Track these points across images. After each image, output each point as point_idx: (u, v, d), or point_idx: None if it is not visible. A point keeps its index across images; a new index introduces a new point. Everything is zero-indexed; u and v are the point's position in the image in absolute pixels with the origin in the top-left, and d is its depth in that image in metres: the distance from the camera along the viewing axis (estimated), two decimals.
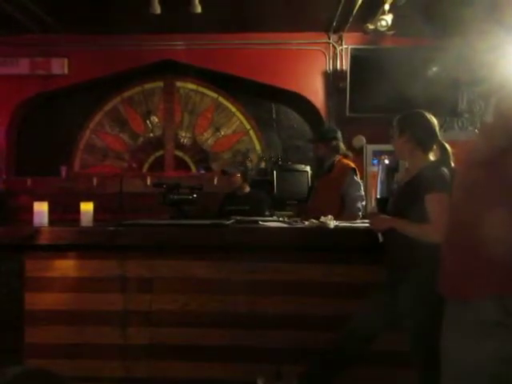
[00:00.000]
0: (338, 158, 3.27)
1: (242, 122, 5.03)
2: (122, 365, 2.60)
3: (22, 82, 4.72)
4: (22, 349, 2.62)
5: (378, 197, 2.16)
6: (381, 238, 2.05)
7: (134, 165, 5.01)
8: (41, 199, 2.83)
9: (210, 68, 4.84)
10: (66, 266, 2.66)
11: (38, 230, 2.58)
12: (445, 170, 1.86)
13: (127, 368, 2.59)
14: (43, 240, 2.58)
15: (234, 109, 5.02)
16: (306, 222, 2.53)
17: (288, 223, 2.66)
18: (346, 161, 3.27)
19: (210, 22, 4.50)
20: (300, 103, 5.01)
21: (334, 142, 3.25)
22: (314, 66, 4.94)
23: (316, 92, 4.91)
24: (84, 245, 2.61)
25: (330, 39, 4.89)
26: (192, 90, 5.04)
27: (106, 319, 2.62)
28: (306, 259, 2.49)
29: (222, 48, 4.82)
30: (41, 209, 2.71)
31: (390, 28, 4.06)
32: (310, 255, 2.48)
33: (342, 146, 3.30)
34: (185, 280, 2.63)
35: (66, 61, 4.72)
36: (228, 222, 2.64)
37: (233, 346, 2.54)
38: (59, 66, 4.67)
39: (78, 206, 2.83)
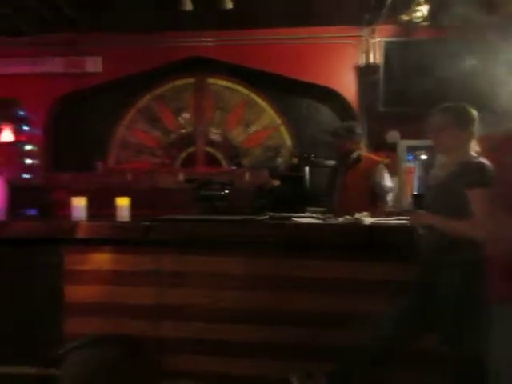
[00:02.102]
0: (362, 152, 3.30)
1: (272, 118, 5.01)
2: (154, 358, 2.65)
3: (58, 80, 4.84)
4: (62, 339, 2.70)
5: (416, 193, 2.11)
6: (420, 235, 1.99)
7: (167, 161, 5.08)
8: (77, 194, 2.90)
9: (241, 64, 4.84)
10: (102, 260, 2.72)
11: (76, 224, 2.65)
12: (489, 165, 1.79)
13: (159, 361, 2.63)
14: (81, 234, 2.64)
15: (264, 104, 5.01)
16: (341, 219, 2.50)
17: (322, 219, 2.63)
18: (371, 155, 3.32)
19: (240, 18, 4.51)
20: (331, 98, 4.95)
21: (359, 137, 3.29)
22: (345, 60, 4.87)
23: (347, 86, 4.84)
24: (120, 239, 2.67)
25: (362, 32, 4.81)
26: (222, 87, 5.06)
27: (140, 313, 2.67)
28: (340, 256, 2.46)
29: (253, 44, 4.81)
30: (79, 203, 2.78)
31: (425, 19, 3.95)
32: (344, 252, 2.45)
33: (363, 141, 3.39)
34: (217, 275, 2.65)
35: (100, 59, 4.81)
36: (261, 218, 2.64)
37: (263, 343, 2.54)
38: (94, 65, 4.78)
39: (113, 201, 2.89)
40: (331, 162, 4.42)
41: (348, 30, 4.84)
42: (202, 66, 4.91)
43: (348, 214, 2.53)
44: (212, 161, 5.04)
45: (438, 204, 1.92)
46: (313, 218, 2.77)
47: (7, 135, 4.59)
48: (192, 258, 2.65)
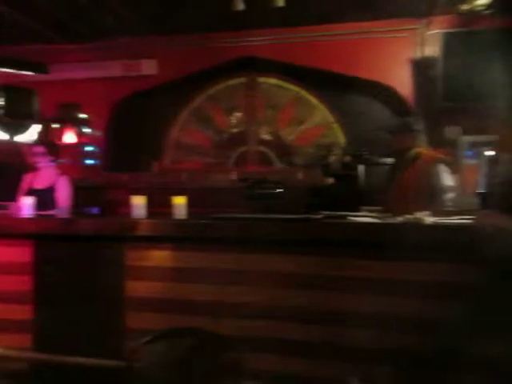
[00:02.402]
0: (421, 149, 3.17)
1: (324, 116, 4.96)
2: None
3: (116, 83, 5.03)
4: (124, 333, 2.81)
5: (481, 191, 2.02)
6: (487, 235, 1.90)
7: (219, 160, 5.15)
8: (134, 193, 3.01)
9: (292, 62, 4.83)
10: (161, 257, 2.81)
11: (137, 222, 2.75)
12: None
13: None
14: (141, 231, 2.73)
15: (316, 102, 4.97)
16: (400, 218, 2.43)
17: (380, 219, 2.57)
18: (430, 151, 3.19)
19: (292, 16, 4.49)
20: (385, 94, 4.83)
21: (417, 133, 3.19)
22: (399, 54, 4.73)
23: (402, 81, 4.70)
24: (179, 237, 2.74)
25: (417, 24, 4.65)
26: (273, 85, 5.06)
27: (199, 309, 2.72)
28: (400, 256, 2.39)
29: (304, 41, 4.78)
30: (139, 202, 2.88)
31: (487, 7, 3.76)
32: (404, 252, 2.38)
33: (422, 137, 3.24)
34: (272, 274, 2.65)
35: (155, 62, 4.96)
36: (316, 217, 2.61)
37: (321, 343, 2.52)
38: (149, 67, 4.93)
39: (168, 200, 2.97)
40: (386, 160, 4.32)
41: (402, 23, 4.70)
42: (253, 65, 4.94)
43: (406, 214, 2.46)
44: (264, 160, 5.06)
45: (507, 203, 1.83)
46: (370, 217, 2.71)
47: (70, 137, 4.83)
48: (247, 256, 2.67)
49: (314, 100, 4.97)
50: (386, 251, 2.36)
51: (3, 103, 1.31)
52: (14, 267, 2.95)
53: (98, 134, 5.06)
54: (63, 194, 3.91)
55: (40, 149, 3.86)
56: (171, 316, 2.75)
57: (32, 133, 1.43)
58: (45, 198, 3.67)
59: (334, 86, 4.93)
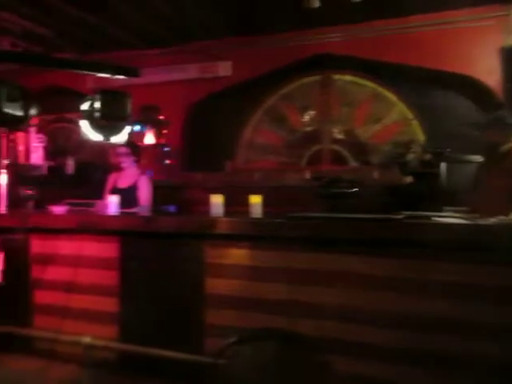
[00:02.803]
0: None
1: (403, 112, 4.76)
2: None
3: (193, 85, 5.19)
4: (203, 329, 2.88)
5: None
6: None
7: (292, 159, 5.13)
8: (210, 192, 3.08)
9: (368, 57, 4.68)
10: (239, 255, 2.85)
11: (216, 220, 2.81)
12: None
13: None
14: (220, 229, 2.79)
15: (394, 98, 4.78)
16: (492, 219, 2.26)
17: (468, 220, 2.41)
18: None
19: (368, 10, 4.36)
20: (470, 87, 4.53)
21: (509, 128, 2.97)
22: (486, 43, 4.42)
23: (490, 72, 4.39)
24: (255, 235, 2.76)
25: (504, 11, 4.32)
26: (349, 82, 4.94)
27: (274, 308, 2.73)
28: (494, 260, 2.22)
29: (381, 35, 4.62)
30: (217, 201, 2.94)
31: None
32: (498, 256, 2.21)
33: None
34: (350, 275, 2.59)
35: (230, 63, 5.05)
36: (397, 217, 2.51)
37: (396, 347, 2.42)
38: (225, 69, 5.02)
39: (242, 199, 3.01)
40: (471, 158, 4.05)
41: (488, 10, 4.39)
42: (328, 62, 4.86)
43: (496, 214, 2.28)
44: (338, 159, 4.96)
45: None
46: (457, 217, 2.55)
47: (150, 138, 5.05)
48: (324, 255, 2.63)
49: (391, 96, 4.79)
50: (477, 254, 2.21)
51: (99, 106, 1.40)
52: (103, 262, 3.14)
53: (175, 135, 5.24)
54: (145, 192, 4.10)
55: (124, 149, 4.08)
56: (248, 314, 2.78)
57: (124, 134, 1.51)
58: (128, 196, 3.86)
59: (413, 80, 4.71)
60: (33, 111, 1.40)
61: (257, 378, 0.89)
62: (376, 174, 4.54)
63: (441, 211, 3.28)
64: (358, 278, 2.55)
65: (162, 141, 5.32)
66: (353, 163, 4.92)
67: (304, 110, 5.13)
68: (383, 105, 4.82)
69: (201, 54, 5.08)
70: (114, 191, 3.95)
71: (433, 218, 2.53)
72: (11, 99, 1.31)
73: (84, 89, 5.01)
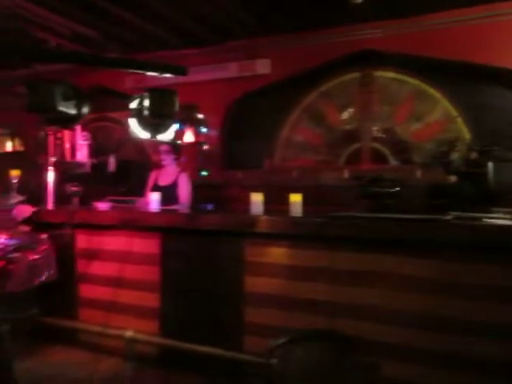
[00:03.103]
0: None
1: (447, 109, 4.60)
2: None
3: (232, 84, 5.21)
4: (242, 327, 2.89)
5: None
6: None
7: (330, 158, 5.07)
8: (248, 191, 3.08)
9: (410, 53, 4.56)
10: (279, 254, 2.84)
11: (256, 219, 2.81)
12: None
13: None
14: (260, 228, 2.79)
15: (438, 95, 4.63)
16: None
17: None
18: None
19: (410, 5, 4.24)
20: None
21: None
22: None
23: None
24: (295, 234, 2.74)
25: None
26: (390, 79, 4.83)
27: (314, 308, 2.70)
28: None
29: (424, 30, 4.48)
30: (257, 199, 2.94)
31: None
32: None
33: None
34: (394, 276, 2.53)
35: (268, 61, 5.03)
36: (446, 217, 2.43)
37: (442, 353, 2.34)
38: (263, 67, 5.01)
39: (280, 197, 2.99)
40: None
41: None
42: (368, 59, 4.77)
43: None
44: (378, 157, 4.86)
45: None
46: (507, 219, 2.45)
47: (189, 137, 5.11)
48: (368, 256, 2.59)
49: (434, 93, 4.64)
50: None
51: (148, 104, 1.43)
52: (145, 258, 3.20)
53: (214, 133, 5.28)
54: (184, 190, 4.15)
55: (165, 147, 4.15)
56: (288, 313, 2.77)
57: (171, 132, 1.53)
58: (168, 193, 3.92)
59: (459, 76, 4.55)
60: (85, 110, 1.43)
61: (308, 379, 0.88)
62: (418, 173, 4.42)
63: (489, 212, 3.16)
64: (401, 279, 2.49)
65: (201, 139, 5.37)
66: (393, 162, 4.81)
67: (343, 107, 5.05)
68: (426, 102, 4.68)
69: (239, 53, 5.09)
70: (155, 188, 4.02)
71: (485, 220, 2.43)
72: (65, 98, 1.35)
73: (123, 89, 5.14)
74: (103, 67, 1.96)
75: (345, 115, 5.08)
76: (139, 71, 1.51)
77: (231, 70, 5.14)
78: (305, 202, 3.02)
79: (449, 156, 4.13)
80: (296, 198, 2.97)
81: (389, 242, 2.51)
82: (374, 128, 4.92)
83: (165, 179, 4.25)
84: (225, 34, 4.85)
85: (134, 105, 1.58)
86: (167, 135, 1.64)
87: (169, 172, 4.26)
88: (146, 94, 1.50)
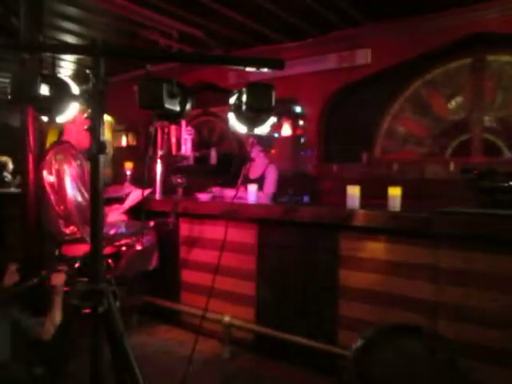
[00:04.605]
0: None
1: None
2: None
3: (330, 76, 5.13)
4: (335, 320, 2.88)
5: None
6: None
7: (436, 150, 4.77)
8: (344, 184, 3.02)
9: None
10: (376, 248, 2.76)
11: (352, 213, 2.76)
12: None
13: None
14: (356, 222, 2.74)
15: None
16: None
17: None
18: None
19: None
20: None
21: None
22: None
23: None
24: (394, 229, 2.65)
25: None
26: (507, 63, 4.39)
27: (413, 306, 2.59)
28: None
29: None
30: (353, 192, 2.88)
31: None
32: None
33: None
34: (503, 277, 2.33)
35: (369, 51, 4.87)
36: None
37: None
38: (363, 57, 4.86)
39: (378, 191, 2.89)
40: None
41: None
42: (481, 43, 4.38)
43: None
44: (490, 149, 4.45)
45: None
46: None
47: (287, 130, 5.16)
48: (476, 255, 2.41)
49: None
50: None
51: (246, 99, 1.47)
52: (243, 247, 3.32)
53: (311, 126, 5.26)
54: (270, 181, 4.23)
55: (252, 140, 4.25)
56: (384, 309, 2.70)
57: (267, 126, 1.57)
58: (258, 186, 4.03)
59: None
60: (189, 106, 1.53)
61: (396, 376, 0.85)
62: None
63: None
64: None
65: (299, 132, 5.39)
66: (508, 155, 4.38)
67: (451, 96, 4.71)
68: None
69: (339, 44, 4.99)
70: (246, 181, 4.15)
71: None
72: (171, 96, 1.45)
73: (226, 84, 5.33)
74: (205, 64, 2.07)
75: (452, 104, 4.74)
76: (238, 67, 1.56)
77: (331, 62, 5.06)
78: (406, 196, 2.90)
79: None
80: (395, 192, 2.86)
81: (502, 241, 2.31)
82: (487, 118, 4.52)
83: (254, 172, 4.37)
84: (325, 25, 4.78)
85: (232, 100, 1.64)
86: (264, 129, 1.68)
87: (258, 165, 4.38)
88: (244, 88, 1.55)
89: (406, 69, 4.80)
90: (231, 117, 1.67)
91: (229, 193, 4.17)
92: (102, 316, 1.34)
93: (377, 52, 4.85)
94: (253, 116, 1.61)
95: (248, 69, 1.54)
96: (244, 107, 1.56)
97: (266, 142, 4.46)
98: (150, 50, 2.18)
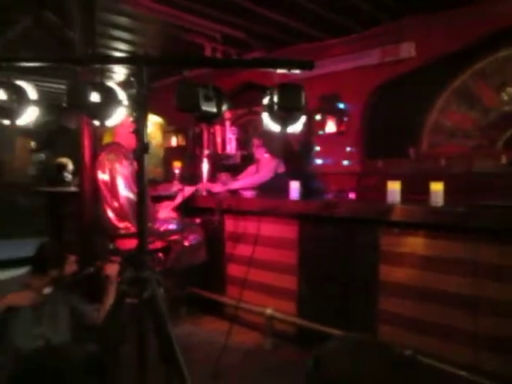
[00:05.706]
0: None
1: None
2: (469, 352, 2.50)
3: (374, 71, 5.08)
4: (375, 314, 2.90)
5: None
6: None
7: (485, 143, 4.62)
8: (390, 179, 3.02)
9: None
10: (415, 243, 2.76)
11: (392, 207, 2.77)
12: None
13: (475, 357, 2.48)
14: (396, 217, 2.75)
15: None
16: None
17: None
18: None
19: None
20: None
21: None
22: None
23: None
24: (434, 224, 2.63)
25: None
26: None
27: (453, 302, 2.57)
28: None
29: None
30: (394, 187, 2.89)
31: None
32: None
33: None
34: None
35: (413, 44, 4.78)
36: None
37: None
38: (407, 51, 4.78)
39: (426, 187, 2.87)
40: None
41: None
42: None
43: None
44: None
45: None
46: None
47: (331, 126, 5.18)
48: None
49: None
50: None
51: (277, 99, 1.55)
52: (284, 242, 3.41)
53: (355, 122, 5.25)
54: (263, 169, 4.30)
55: (256, 142, 4.35)
56: (424, 305, 2.70)
57: (300, 124, 1.64)
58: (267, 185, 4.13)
59: None
60: (224, 107, 1.64)
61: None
62: None
63: None
64: None
65: (343, 128, 5.39)
66: None
67: (501, 87, 4.54)
68: None
69: (382, 38, 4.94)
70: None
71: None
72: (207, 99, 1.57)
73: (272, 84, 5.42)
74: (235, 68, 2.14)
75: (503, 95, 4.57)
76: (270, 69, 1.65)
77: (373, 57, 5.01)
78: (455, 191, 2.87)
79: None
80: (437, 187, 2.83)
81: None
82: None
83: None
84: (366, 20, 4.75)
85: (265, 100, 1.73)
86: (296, 127, 1.76)
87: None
88: (275, 89, 1.65)
89: (452, 60, 4.68)
90: (265, 116, 1.77)
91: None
92: (146, 302, 1.48)
93: (421, 45, 4.75)
94: (285, 115, 1.71)
95: (279, 70, 1.63)
96: (276, 107, 1.66)
97: (273, 145, 4.51)
98: (185, 57, 2.31)
